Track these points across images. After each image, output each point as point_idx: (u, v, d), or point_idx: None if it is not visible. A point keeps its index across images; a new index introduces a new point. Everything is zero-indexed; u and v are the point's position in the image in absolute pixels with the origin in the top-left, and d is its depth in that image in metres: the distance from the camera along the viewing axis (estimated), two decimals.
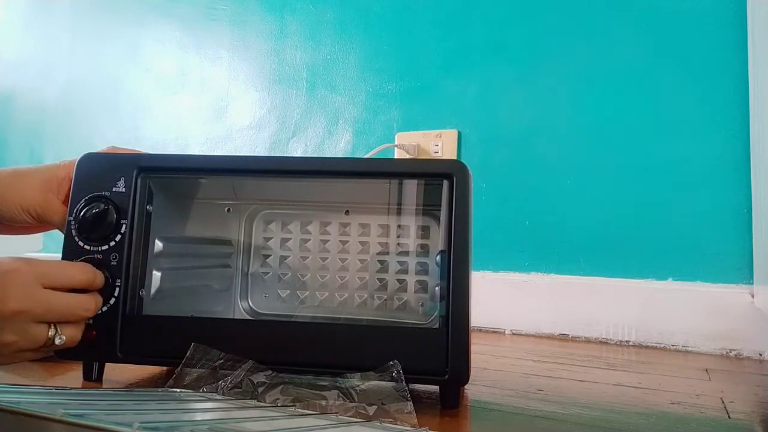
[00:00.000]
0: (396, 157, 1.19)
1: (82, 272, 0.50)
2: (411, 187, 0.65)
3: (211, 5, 1.47)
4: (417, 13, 1.22)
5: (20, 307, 0.44)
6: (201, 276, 0.70)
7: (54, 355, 0.55)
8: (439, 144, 1.15)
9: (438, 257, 0.66)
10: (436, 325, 0.62)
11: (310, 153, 1.31)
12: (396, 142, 1.19)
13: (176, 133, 1.49)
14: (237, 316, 0.70)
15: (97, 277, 0.52)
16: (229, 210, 0.72)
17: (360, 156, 1.22)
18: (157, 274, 0.60)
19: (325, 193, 0.71)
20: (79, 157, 0.56)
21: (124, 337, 0.54)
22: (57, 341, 0.47)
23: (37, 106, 1.73)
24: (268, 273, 0.71)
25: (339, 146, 1.28)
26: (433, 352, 0.51)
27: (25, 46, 1.79)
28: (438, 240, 0.68)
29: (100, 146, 0.61)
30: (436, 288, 0.64)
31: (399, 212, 0.69)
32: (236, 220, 0.72)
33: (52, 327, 0.47)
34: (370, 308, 0.68)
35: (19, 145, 1.75)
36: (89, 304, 0.50)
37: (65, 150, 1.65)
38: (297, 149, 1.33)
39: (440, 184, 0.62)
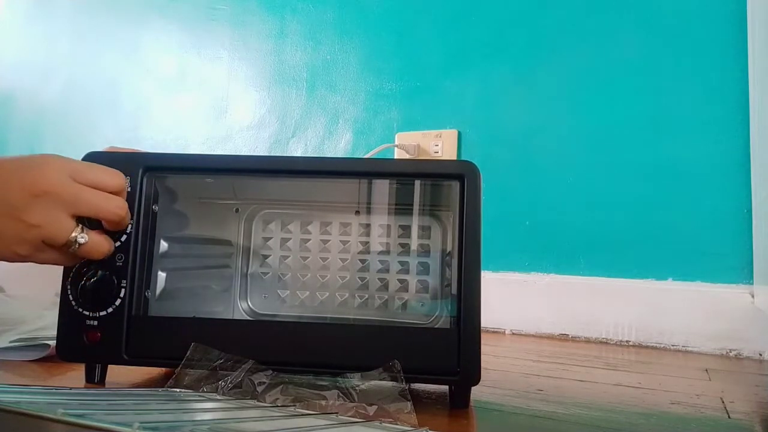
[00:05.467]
0: (396, 157, 1.19)
1: (112, 174, 0.50)
2: (415, 187, 0.65)
3: (211, 5, 1.47)
4: (417, 13, 1.22)
5: (50, 188, 0.45)
6: (202, 276, 0.70)
7: (55, 356, 0.55)
8: (439, 144, 1.15)
9: (447, 257, 0.66)
10: (446, 326, 0.62)
11: (310, 153, 1.31)
12: (396, 142, 1.19)
13: (176, 133, 1.49)
14: (236, 317, 0.70)
15: (125, 190, 0.52)
16: (237, 210, 0.72)
17: (360, 156, 1.23)
18: (162, 275, 0.60)
19: (328, 193, 0.71)
20: (81, 157, 0.56)
21: (130, 338, 0.53)
22: (80, 240, 0.47)
23: (37, 106, 1.73)
24: (268, 273, 0.71)
25: (339, 146, 1.28)
26: (444, 353, 0.51)
27: (25, 47, 1.79)
28: (438, 240, 0.68)
29: (100, 146, 0.61)
30: (446, 287, 0.64)
31: (401, 212, 0.69)
32: (236, 220, 0.72)
33: (78, 227, 0.48)
34: (370, 308, 0.68)
35: (19, 145, 1.75)
36: (122, 204, 0.50)
37: (65, 150, 1.63)
38: (297, 149, 1.33)
39: (445, 185, 0.62)
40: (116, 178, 0.50)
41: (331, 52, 1.31)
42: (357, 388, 0.49)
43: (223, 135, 1.43)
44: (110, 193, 0.50)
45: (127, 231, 0.54)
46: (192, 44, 1.49)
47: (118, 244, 0.53)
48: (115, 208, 0.50)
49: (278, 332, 0.55)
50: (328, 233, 0.71)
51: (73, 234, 0.47)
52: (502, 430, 0.49)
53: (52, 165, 0.46)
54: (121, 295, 0.53)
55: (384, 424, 0.43)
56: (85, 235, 0.48)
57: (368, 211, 0.70)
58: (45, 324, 0.72)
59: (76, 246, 0.48)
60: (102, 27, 1.65)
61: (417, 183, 0.64)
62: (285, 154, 1.32)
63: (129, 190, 0.54)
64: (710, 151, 0.96)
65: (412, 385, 0.58)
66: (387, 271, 0.69)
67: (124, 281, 0.53)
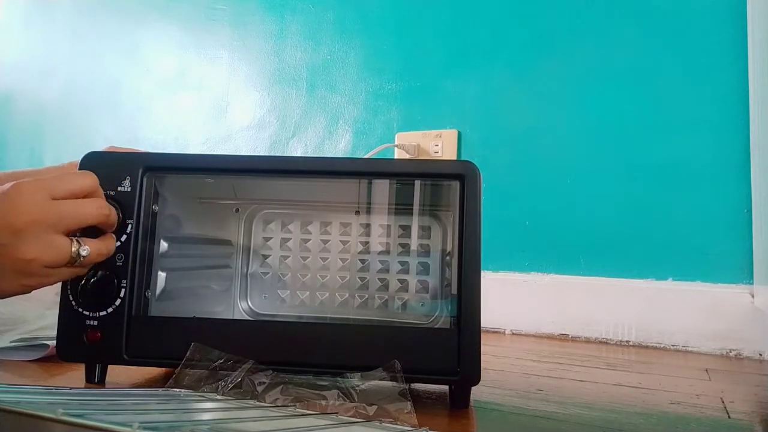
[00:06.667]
0: (396, 157, 1.19)
1: (85, 176, 0.49)
2: (416, 187, 0.65)
3: (211, 5, 1.47)
4: (417, 13, 1.22)
5: (32, 218, 0.44)
6: (202, 276, 0.70)
7: (56, 356, 0.55)
8: (439, 144, 1.15)
9: (447, 257, 0.66)
10: (446, 326, 0.62)
11: (310, 153, 1.31)
12: (396, 142, 1.19)
13: (176, 133, 1.49)
14: (236, 317, 0.70)
15: (99, 187, 0.51)
16: (237, 210, 0.72)
17: (360, 156, 1.23)
18: (162, 275, 0.60)
19: (328, 193, 0.71)
20: (81, 158, 0.56)
21: (130, 338, 0.53)
22: (83, 253, 0.47)
23: (37, 106, 1.73)
24: (268, 273, 0.71)
25: (339, 146, 1.28)
26: (444, 353, 0.51)
27: (25, 47, 1.79)
28: (438, 240, 0.68)
29: (100, 146, 0.61)
30: (447, 287, 0.64)
31: (401, 212, 0.69)
32: (236, 220, 0.72)
33: (75, 241, 0.47)
34: (370, 308, 0.68)
35: (19, 145, 1.75)
36: (101, 203, 0.50)
37: (65, 150, 1.65)
38: (297, 149, 1.33)
39: (444, 185, 0.62)
40: (87, 179, 0.49)
41: (331, 52, 1.31)
42: (357, 388, 0.49)
43: (223, 135, 1.43)
44: (87, 195, 0.49)
45: (127, 231, 0.54)
46: (192, 44, 1.49)
47: (118, 243, 0.53)
48: (97, 209, 0.49)
49: (278, 332, 0.55)
50: (328, 233, 0.71)
51: (73, 249, 0.47)
52: (502, 430, 0.49)
53: (26, 194, 0.44)
54: (121, 295, 0.53)
55: (384, 424, 0.43)
56: (86, 247, 0.48)
57: (368, 211, 0.70)
58: (47, 324, 0.72)
59: (81, 259, 0.48)
60: (102, 27, 1.65)
61: (417, 183, 0.64)
62: (285, 154, 1.32)
63: (128, 188, 0.54)
64: (710, 151, 0.96)
65: (412, 385, 0.58)
66: (387, 271, 0.69)
67: (124, 281, 0.53)
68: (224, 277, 0.71)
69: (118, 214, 0.53)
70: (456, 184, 0.55)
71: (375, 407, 0.46)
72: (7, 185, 0.45)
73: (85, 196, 0.49)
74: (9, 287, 0.46)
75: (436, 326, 0.64)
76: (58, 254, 0.46)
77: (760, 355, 0.88)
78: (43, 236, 0.45)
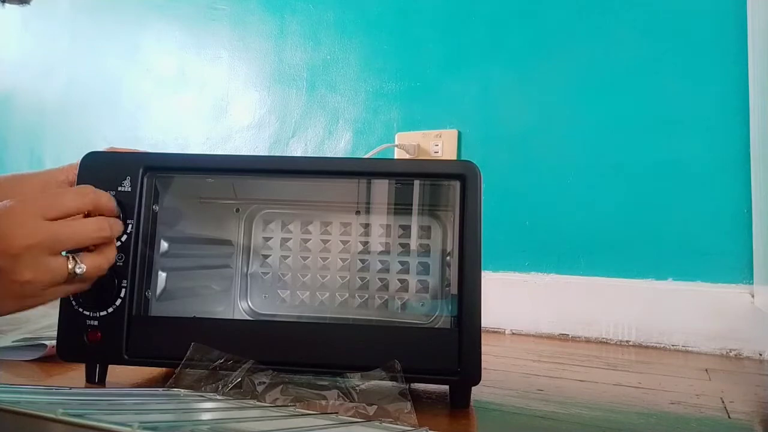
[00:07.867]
0: (396, 157, 1.19)
1: (81, 195, 0.48)
2: (416, 187, 0.65)
3: (211, 5, 1.47)
4: (417, 13, 1.22)
5: (27, 243, 0.43)
6: (202, 276, 0.70)
7: (56, 356, 0.55)
8: (439, 144, 1.15)
9: (447, 257, 0.66)
10: (446, 326, 0.62)
11: (310, 153, 1.31)
12: (396, 142, 1.19)
13: (176, 133, 1.49)
14: (236, 317, 0.70)
15: (102, 197, 0.50)
16: (237, 210, 0.72)
17: (360, 156, 1.23)
18: (162, 275, 0.60)
19: (328, 193, 0.71)
20: (81, 158, 0.56)
21: (131, 338, 0.54)
22: (78, 271, 0.46)
23: (37, 106, 1.73)
24: (268, 273, 0.71)
25: (339, 146, 1.28)
26: (444, 353, 0.51)
27: (25, 46, 1.79)
28: (438, 240, 0.68)
29: (100, 146, 0.61)
30: (447, 287, 0.64)
31: (401, 212, 0.69)
32: (236, 220, 0.72)
33: (71, 259, 0.46)
34: (370, 308, 0.68)
35: (19, 145, 1.75)
36: (101, 224, 0.48)
37: (65, 150, 1.65)
38: (297, 149, 1.33)
39: (444, 185, 0.62)
40: (86, 198, 0.48)
41: (331, 52, 1.31)
42: (357, 388, 0.49)
43: (223, 135, 1.43)
44: (89, 212, 0.48)
45: (128, 231, 0.54)
46: (192, 44, 1.49)
47: (118, 244, 0.53)
48: (96, 231, 0.48)
49: (278, 332, 0.55)
50: (328, 233, 0.71)
51: (69, 266, 0.46)
52: (502, 430, 0.49)
53: (19, 216, 0.43)
54: (122, 295, 0.53)
55: (384, 424, 0.43)
56: (83, 265, 0.47)
57: (368, 211, 0.70)
58: (50, 323, 0.72)
59: (77, 277, 0.47)
60: (102, 27, 1.65)
61: (417, 183, 0.64)
62: (285, 154, 1.32)
63: (129, 188, 0.54)
64: (710, 151, 0.95)
65: (412, 385, 0.58)
66: (387, 271, 0.69)
67: (125, 281, 0.53)
68: (224, 277, 0.71)
69: (123, 220, 0.53)
70: (456, 184, 0.55)
71: (375, 407, 0.46)
72: (0, 205, 0.44)
73: (88, 213, 0.48)
74: (7, 307, 0.45)
75: (436, 326, 0.64)
76: (53, 276, 0.45)
77: (760, 355, 0.88)
78: (39, 259, 0.44)
